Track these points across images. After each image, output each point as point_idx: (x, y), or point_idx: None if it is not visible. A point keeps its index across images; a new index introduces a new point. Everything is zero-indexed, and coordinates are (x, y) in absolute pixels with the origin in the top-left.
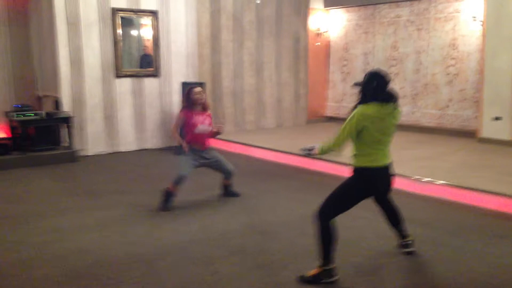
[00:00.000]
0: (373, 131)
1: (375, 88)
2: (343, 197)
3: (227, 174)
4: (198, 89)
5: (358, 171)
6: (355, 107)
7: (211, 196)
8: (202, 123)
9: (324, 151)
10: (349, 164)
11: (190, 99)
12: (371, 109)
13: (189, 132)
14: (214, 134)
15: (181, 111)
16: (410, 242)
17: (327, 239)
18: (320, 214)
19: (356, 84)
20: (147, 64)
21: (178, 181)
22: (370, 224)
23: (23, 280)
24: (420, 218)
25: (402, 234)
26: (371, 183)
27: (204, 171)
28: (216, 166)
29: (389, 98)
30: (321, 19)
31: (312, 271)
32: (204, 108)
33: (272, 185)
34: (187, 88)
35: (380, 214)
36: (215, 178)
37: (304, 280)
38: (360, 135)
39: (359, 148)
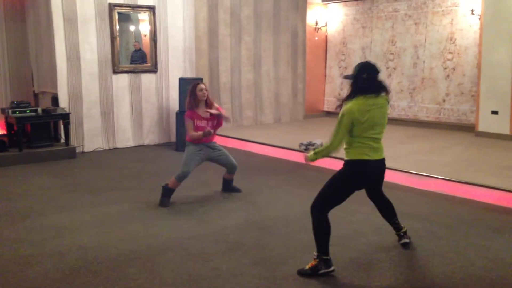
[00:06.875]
0: (362, 123)
1: (366, 80)
2: (334, 190)
3: (231, 168)
4: (202, 85)
5: (349, 164)
6: (341, 105)
7: (210, 192)
8: (204, 128)
9: (324, 155)
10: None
11: (195, 95)
12: (357, 103)
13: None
14: (226, 119)
15: (186, 114)
16: (403, 233)
17: (321, 232)
18: (313, 208)
19: (346, 77)
20: (140, 59)
21: (181, 178)
22: (367, 219)
23: (22, 277)
24: (418, 213)
25: (396, 227)
26: (361, 176)
27: (203, 167)
28: (221, 159)
29: (380, 89)
30: (319, 14)
31: (310, 264)
32: (208, 105)
33: (271, 180)
34: (192, 84)
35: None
36: (214, 174)
37: (302, 273)
38: (351, 129)
39: (350, 141)
